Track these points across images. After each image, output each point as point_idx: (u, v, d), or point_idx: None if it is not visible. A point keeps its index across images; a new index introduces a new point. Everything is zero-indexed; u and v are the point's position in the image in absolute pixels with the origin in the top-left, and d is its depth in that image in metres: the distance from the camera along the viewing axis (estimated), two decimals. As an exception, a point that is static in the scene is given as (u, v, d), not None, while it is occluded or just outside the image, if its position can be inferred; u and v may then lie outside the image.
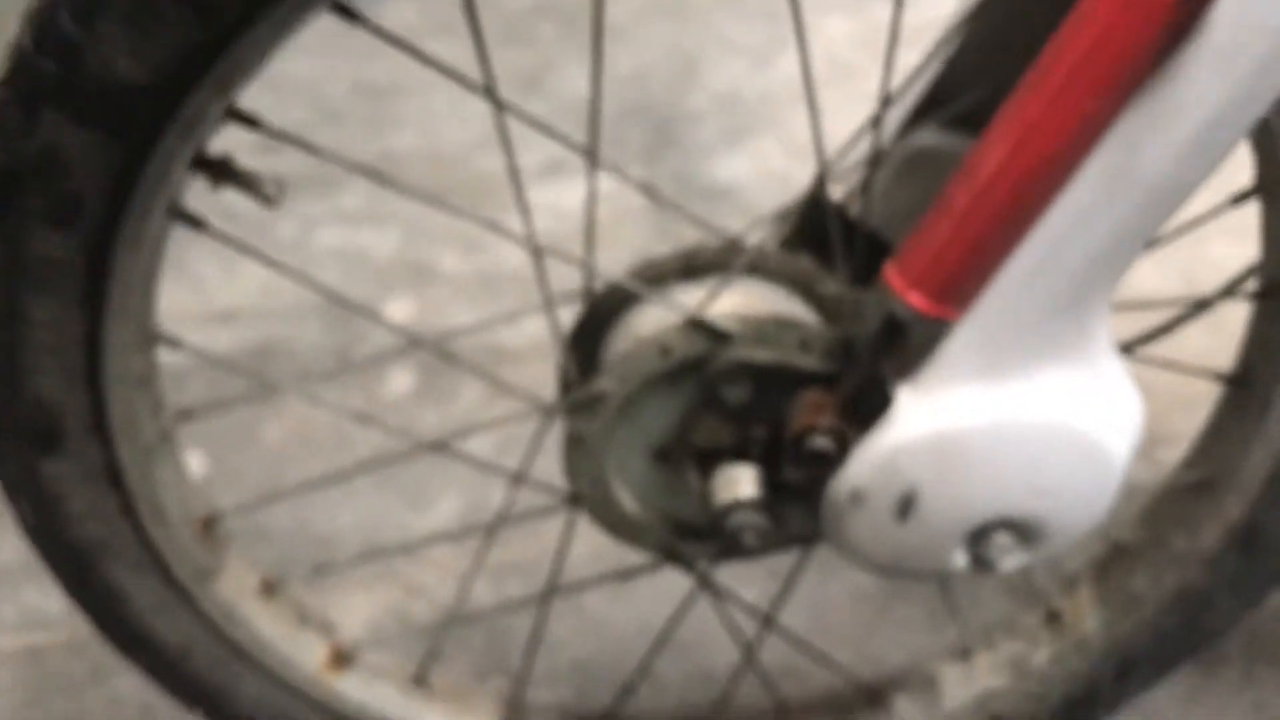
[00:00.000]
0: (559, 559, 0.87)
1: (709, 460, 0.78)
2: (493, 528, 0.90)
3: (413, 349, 1.68)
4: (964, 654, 1.01)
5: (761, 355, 0.73)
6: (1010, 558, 0.74)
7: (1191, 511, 0.91)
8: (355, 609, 1.31)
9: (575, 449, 0.79)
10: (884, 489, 0.70)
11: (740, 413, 0.75)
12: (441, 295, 1.79)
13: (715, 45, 2.39)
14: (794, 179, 2.03)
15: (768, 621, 0.95)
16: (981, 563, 0.75)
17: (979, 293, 0.65)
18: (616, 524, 0.83)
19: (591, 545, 1.38)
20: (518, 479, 0.87)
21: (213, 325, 1.77)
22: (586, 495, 0.81)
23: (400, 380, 1.65)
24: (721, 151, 2.07)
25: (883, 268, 0.66)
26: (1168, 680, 0.99)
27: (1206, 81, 0.58)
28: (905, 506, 0.71)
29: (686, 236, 1.88)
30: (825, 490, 0.73)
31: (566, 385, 0.80)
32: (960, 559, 0.75)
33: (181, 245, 1.94)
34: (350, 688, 0.92)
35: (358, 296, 1.78)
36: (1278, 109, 0.68)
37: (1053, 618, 0.99)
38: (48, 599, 1.32)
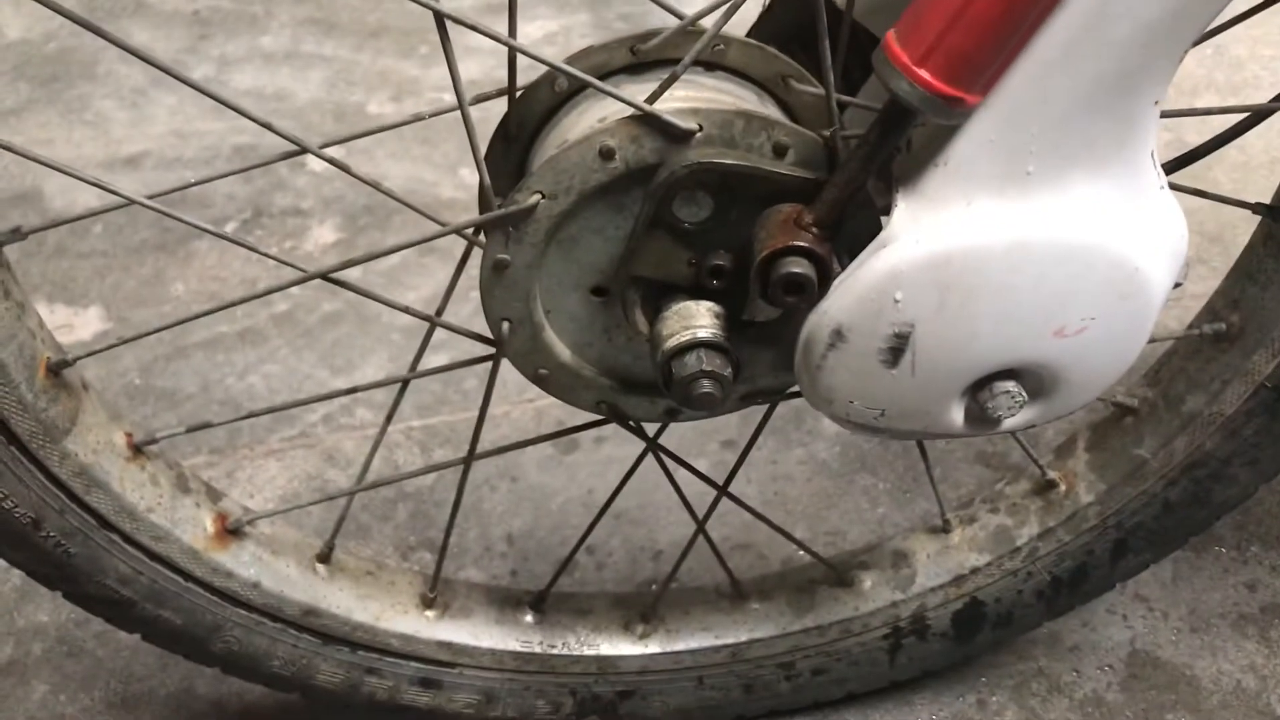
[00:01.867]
0: (481, 413, 0.74)
1: (658, 296, 0.65)
2: (408, 379, 0.77)
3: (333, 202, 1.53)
4: (940, 528, 0.90)
5: (727, 160, 0.58)
6: (1016, 414, 0.62)
7: (1210, 368, 0.79)
8: (267, 479, 1.18)
9: (497, 282, 0.65)
10: (872, 326, 0.58)
11: (697, 235, 0.62)
12: (368, 141, 1.63)
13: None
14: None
15: (723, 491, 0.83)
16: (981, 419, 0.62)
17: (1006, 70, 0.51)
18: (548, 376, 0.70)
19: (530, 410, 1.25)
20: (434, 320, 0.73)
21: (117, 170, 1.60)
22: (511, 340, 0.68)
23: (322, 233, 1.49)
24: (679, -11, 1.89)
25: (884, 40, 0.52)
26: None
27: None
28: (897, 349, 0.58)
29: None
30: (799, 329, 0.60)
31: (488, 203, 0.65)
32: (957, 415, 0.62)
33: (85, 83, 1.78)
34: (240, 564, 0.79)
35: (276, 142, 1.61)
36: None
37: (1042, 488, 0.88)
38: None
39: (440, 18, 0.58)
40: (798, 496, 1.15)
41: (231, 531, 0.80)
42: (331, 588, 0.83)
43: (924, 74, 0.50)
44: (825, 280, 0.57)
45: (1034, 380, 0.61)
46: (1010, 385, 0.61)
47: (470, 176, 1.58)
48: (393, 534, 1.12)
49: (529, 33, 1.86)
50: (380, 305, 1.37)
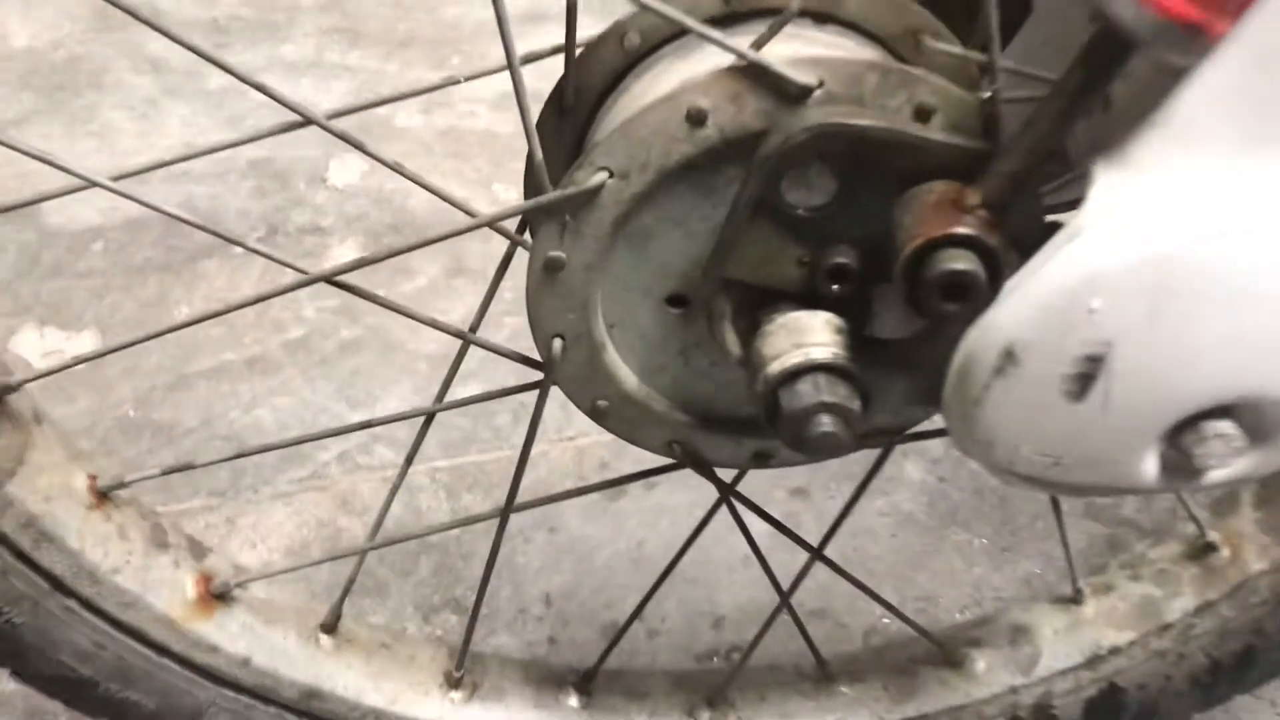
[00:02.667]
0: (524, 455, 0.59)
1: (757, 306, 0.50)
2: (434, 410, 0.63)
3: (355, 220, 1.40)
4: (1068, 598, 0.75)
5: (863, 121, 0.44)
6: (1227, 464, 0.47)
7: None
8: (273, 526, 1.04)
9: (548, 287, 0.51)
10: (1056, 345, 0.43)
11: (811, 226, 0.47)
12: (395, 154, 1.50)
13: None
14: None
15: (817, 554, 0.68)
16: (1181, 469, 0.47)
17: None
18: (607, 409, 0.56)
19: (570, 449, 1.11)
20: (467, 338, 0.59)
21: (124, 184, 1.47)
22: (563, 362, 0.53)
23: (342, 252, 1.36)
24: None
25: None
26: None
27: None
28: (1087, 375, 0.43)
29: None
30: (950, 349, 0.45)
31: (538, 186, 0.51)
32: (1151, 464, 0.48)
33: (93, 93, 1.66)
34: (226, 636, 0.65)
35: (294, 155, 1.48)
36: None
37: (1199, 552, 0.73)
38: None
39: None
40: (880, 554, 1.00)
41: (217, 596, 0.66)
42: (338, 664, 0.69)
43: None
44: (996, 280, 0.43)
45: (1254, 420, 0.46)
46: (1226, 426, 0.46)
47: (505, 193, 1.44)
48: (413, 592, 0.98)
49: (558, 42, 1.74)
50: (404, 332, 1.23)
